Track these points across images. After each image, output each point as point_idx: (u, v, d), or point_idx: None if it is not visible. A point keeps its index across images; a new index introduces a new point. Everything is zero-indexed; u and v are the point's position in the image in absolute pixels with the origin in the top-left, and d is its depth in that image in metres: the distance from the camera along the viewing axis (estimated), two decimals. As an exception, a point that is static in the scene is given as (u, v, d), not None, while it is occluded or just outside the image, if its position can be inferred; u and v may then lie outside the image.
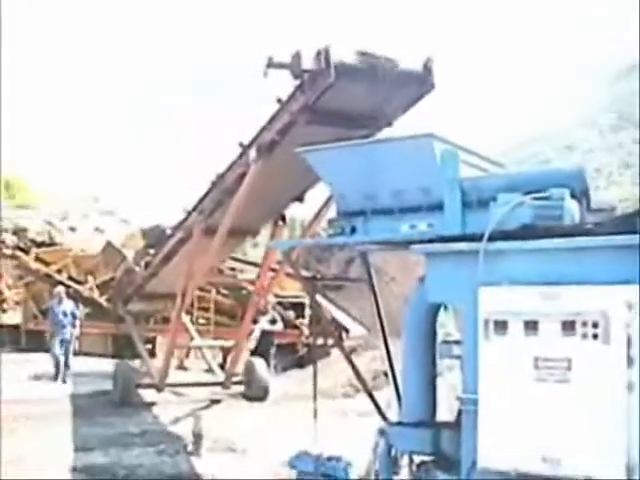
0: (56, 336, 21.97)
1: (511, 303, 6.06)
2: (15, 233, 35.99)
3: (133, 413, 17.57)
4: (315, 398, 8.98)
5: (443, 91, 12.71)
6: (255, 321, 22.37)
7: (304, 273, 9.72)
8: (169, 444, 14.66)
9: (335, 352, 20.00)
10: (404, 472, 7.71)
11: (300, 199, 16.68)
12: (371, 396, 9.28)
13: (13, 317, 31.40)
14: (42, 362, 22.81)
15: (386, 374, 11.24)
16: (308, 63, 12.14)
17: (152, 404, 18.53)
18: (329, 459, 8.32)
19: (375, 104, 12.61)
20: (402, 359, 7.63)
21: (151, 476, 12.82)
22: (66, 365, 21.81)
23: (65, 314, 22.22)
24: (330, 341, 18.05)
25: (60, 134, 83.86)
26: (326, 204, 15.42)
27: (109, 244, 25.48)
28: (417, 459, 7.54)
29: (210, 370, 21.31)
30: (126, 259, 21.92)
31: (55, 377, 21.60)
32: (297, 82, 12.59)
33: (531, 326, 5.96)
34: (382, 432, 7.65)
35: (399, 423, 7.66)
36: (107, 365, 21.86)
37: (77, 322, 22.73)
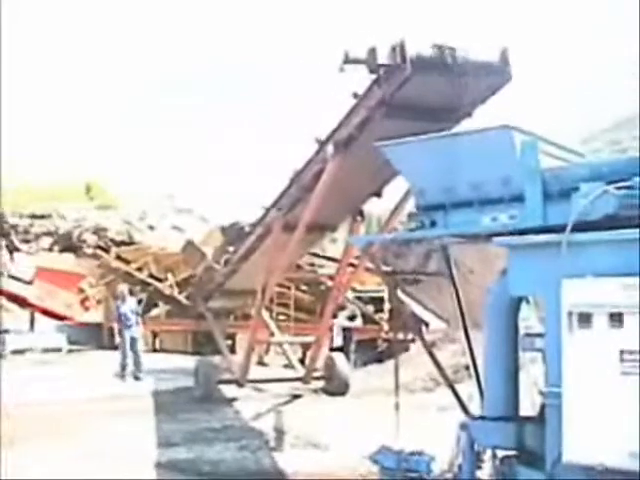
0: (125, 334, 22.29)
1: (595, 295, 5.95)
2: (95, 233, 36.66)
3: (215, 409, 17.76)
4: (397, 392, 8.94)
5: (518, 81, 12.61)
6: (334, 316, 22.40)
7: (384, 268, 9.67)
8: (251, 440, 14.75)
9: (414, 346, 19.93)
10: (487, 467, 7.65)
11: (378, 194, 16.67)
12: (453, 390, 9.23)
13: (95, 315, 31.99)
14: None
15: (467, 368, 11.18)
16: (384, 58, 12.13)
17: (233, 400, 18.70)
18: (411, 454, 8.29)
19: (452, 96, 12.49)
20: (484, 352, 7.56)
21: (233, 471, 12.91)
22: (138, 362, 22.08)
23: (132, 312, 22.56)
24: (410, 335, 17.98)
25: (129, 137, 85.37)
26: (404, 198, 15.40)
27: (189, 242, 25.72)
28: (500, 454, 7.47)
29: (290, 365, 21.38)
30: (206, 257, 22.10)
31: (122, 376, 21.85)
32: (373, 77, 12.61)
33: (616, 318, 5.85)
34: (464, 426, 7.59)
35: (481, 417, 7.60)
36: (188, 362, 22.10)
37: (139, 319, 23.13)
